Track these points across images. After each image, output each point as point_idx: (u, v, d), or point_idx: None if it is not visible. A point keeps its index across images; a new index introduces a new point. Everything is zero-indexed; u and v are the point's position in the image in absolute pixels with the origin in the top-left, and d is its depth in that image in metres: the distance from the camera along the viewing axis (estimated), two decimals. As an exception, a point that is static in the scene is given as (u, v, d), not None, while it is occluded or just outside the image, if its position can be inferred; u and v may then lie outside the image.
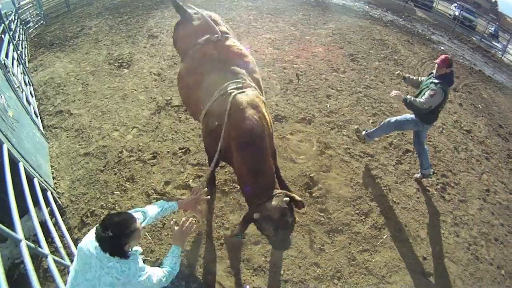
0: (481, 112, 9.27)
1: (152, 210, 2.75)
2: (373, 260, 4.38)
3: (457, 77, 11.05)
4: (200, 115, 3.87)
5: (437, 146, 6.83)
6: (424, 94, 4.94)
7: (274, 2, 14.72)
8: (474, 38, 18.97)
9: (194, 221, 2.78)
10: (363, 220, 4.86)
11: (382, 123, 5.62)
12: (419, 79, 5.44)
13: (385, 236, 4.70)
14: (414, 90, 5.68)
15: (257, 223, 3.12)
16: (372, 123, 6.88)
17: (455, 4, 22.83)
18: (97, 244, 2.03)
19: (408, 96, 5.01)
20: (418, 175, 5.78)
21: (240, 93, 3.59)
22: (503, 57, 17.24)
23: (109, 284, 2.02)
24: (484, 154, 7.26)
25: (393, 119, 5.51)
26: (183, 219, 2.75)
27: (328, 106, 7.24)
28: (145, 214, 2.61)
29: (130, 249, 2.13)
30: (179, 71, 4.25)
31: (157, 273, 2.29)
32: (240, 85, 3.69)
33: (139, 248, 2.27)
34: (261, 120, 3.48)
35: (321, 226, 4.65)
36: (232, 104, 3.44)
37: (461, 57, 13.96)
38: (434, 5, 21.38)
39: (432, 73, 5.19)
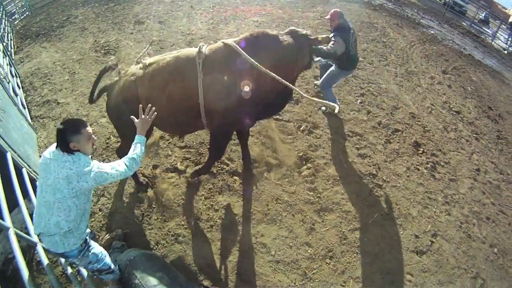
0: (470, 94, 9.28)
1: None
2: (365, 239, 4.37)
3: (447, 60, 11.09)
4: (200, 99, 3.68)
5: (426, 126, 6.83)
6: None
7: (262, -15, 14.52)
8: (464, 24, 19.00)
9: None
10: (353, 199, 4.84)
11: (321, 90, 6.44)
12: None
13: (376, 214, 4.69)
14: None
15: None
16: (360, 103, 6.87)
17: (446, -11, 22.77)
18: (54, 149, 2.46)
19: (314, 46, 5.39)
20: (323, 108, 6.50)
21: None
22: (493, 43, 17.33)
23: (65, 177, 2.36)
24: (474, 135, 7.28)
25: (323, 80, 6.17)
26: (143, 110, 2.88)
27: (315, 86, 7.15)
28: None
29: (80, 152, 2.45)
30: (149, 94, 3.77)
31: (115, 166, 2.57)
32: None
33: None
34: None
35: (311, 205, 4.63)
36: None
37: (451, 41, 13.92)
38: (424, -11, 21.33)
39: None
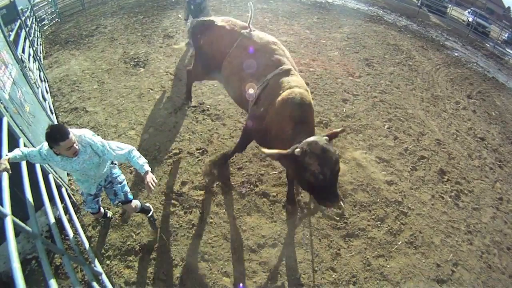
0: (494, 120, 9.19)
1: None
2: (388, 266, 4.38)
3: (471, 83, 11.01)
4: None
5: (451, 153, 6.81)
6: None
7: (289, 5, 14.61)
8: (488, 45, 18.80)
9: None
10: (379, 225, 4.86)
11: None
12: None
13: (400, 242, 4.70)
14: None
15: (300, 162, 3.10)
16: (387, 128, 6.89)
17: (469, 10, 22.67)
18: None
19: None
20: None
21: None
22: (516, 64, 17.08)
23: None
24: (498, 162, 7.21)
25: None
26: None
27: (344, 110, 7.23)
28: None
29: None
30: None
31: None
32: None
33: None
34: None
35: (338, 231, 4.66)
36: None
37: (475, 64, 13.82)
38: (448, 10, 21.26)
39: None
